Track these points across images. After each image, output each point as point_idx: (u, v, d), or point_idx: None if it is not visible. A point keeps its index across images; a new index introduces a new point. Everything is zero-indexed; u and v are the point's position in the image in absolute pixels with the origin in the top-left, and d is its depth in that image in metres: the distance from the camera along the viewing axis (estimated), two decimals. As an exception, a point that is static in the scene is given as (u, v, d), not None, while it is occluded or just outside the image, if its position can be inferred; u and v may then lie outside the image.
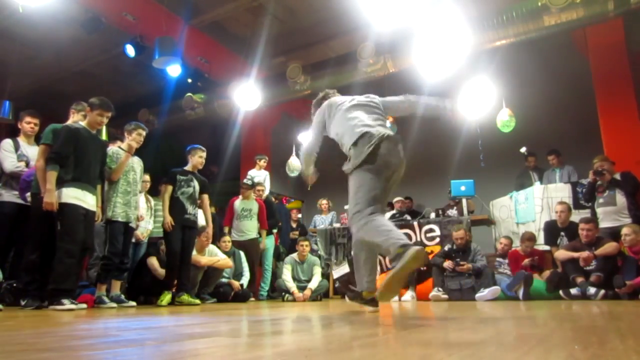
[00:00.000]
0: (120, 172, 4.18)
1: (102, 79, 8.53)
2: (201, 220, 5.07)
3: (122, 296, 4.22)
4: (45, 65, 8.12)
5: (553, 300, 4.43)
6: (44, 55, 7.78)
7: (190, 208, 4.68)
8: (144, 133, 4.41)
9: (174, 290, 4.61)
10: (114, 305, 3.93)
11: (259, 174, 7.21)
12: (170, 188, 4.65)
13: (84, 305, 3.59)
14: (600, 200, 4.98)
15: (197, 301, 4.55)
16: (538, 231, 5.51)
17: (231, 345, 1.36)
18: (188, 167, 4.83)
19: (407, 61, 6.57)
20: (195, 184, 4.79)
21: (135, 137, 4.33)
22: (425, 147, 8.55)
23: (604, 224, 4.88)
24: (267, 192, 6.88)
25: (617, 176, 4.93)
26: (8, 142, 4.21)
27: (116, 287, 4.22)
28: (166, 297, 4.40)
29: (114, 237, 4.08)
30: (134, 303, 4.24)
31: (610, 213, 4.88)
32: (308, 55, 7.90)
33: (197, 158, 4.82)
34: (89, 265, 4.76)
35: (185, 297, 4.43)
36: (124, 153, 4.23)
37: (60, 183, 3.50)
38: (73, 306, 3.32)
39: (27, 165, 4.17)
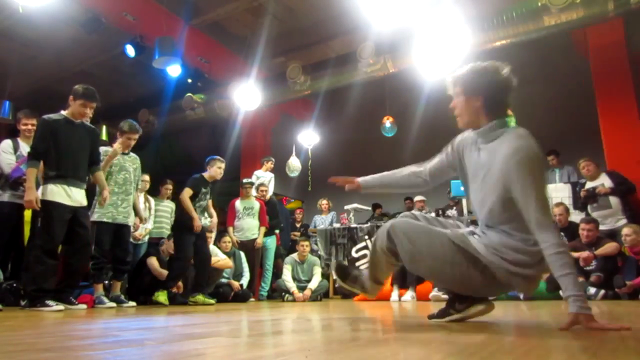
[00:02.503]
0: (104, 169, 4.08)
1: (102, 79, 8.54)
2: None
3: (122, 296, 4.21)
4: (45, 65, 8.13)
5: (553, 300, 4.43)
6: (44, 55, 7.79)
7: (202, 219, 4.73)
8: (134, 136, 4.30)
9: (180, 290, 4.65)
10: (113, 305, 3.92)
11: (265, 175, 7.23)
12: (190, 192, 4.54)
13: (84, 306, 3.58)
14: (595, 205, 5.02)
15: (212, 301, 4.57)
16: (538, 231, 5.52)
17: (231, 345, 1.36)
18: (207, 176, 4.77)
19: (407, 61, 6.57)
20: (209, 197, 4.83)
21: (123, 141, 4.23)
22: (425, 146, 8.53)
23: (601, 226, 4.89)
24: (270, 193, 6.89)
25: (605, 178, 4.97)
26: (7, 143, 4.20)
27: (116, 287, 4.21)
28: (162, 295, 4.37)
29: (99, 237, 4.04)
30: (133, 303, 4.23)
31: (607, 216, 4.93)
32: (308, 55, 7.91)
33: (216, 169, 4.74)
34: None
35: (201, 297, 4.46)
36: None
37: (45, 179, 3.42)
38: (61, 307, 3.24)
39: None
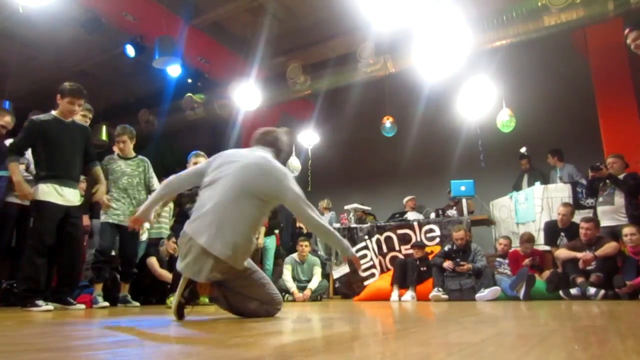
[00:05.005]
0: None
1: (102, 79, 8.54)
2: None
3: (129, 296, 4.25)
4: (45, 65, 8.12)
5: (553, 301, 4.43)
6: (44, 55, 7.79)
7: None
8: (122, 138, 4.36)
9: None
10: (106, 304, 3.93)
11: None
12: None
13: (82, 306, 3.60)
14: (600, 199, 4.98)
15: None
16: (538, 231, 5.51)
17: (231, 345, 1.36)
18: None
19: (407, 61, 6.57)
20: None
21: (118, 145, 4.35)
22: (425, 147, 8.55)
23: (602, 223, 4.87)
24: None
25: (621, 176, 4.91)
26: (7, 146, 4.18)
27: (124, 288, 4.26)
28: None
29: (101, 237, 4.11)
30: (137, 303, 4.27)
31: (608, 212, 4.88)
32: (308, 55, 7.90)
33: (192, 165, 4.42)
34: (87, 265, 4.77)
35: (203, 298, 4.46)
36: (115, 161, 4.26)
37: (36, 179, 3.42)
38: (50, 307, 3.24)
39: (27, 169, 4.12)
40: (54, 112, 3.58)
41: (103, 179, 3.83)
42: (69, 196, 3.50)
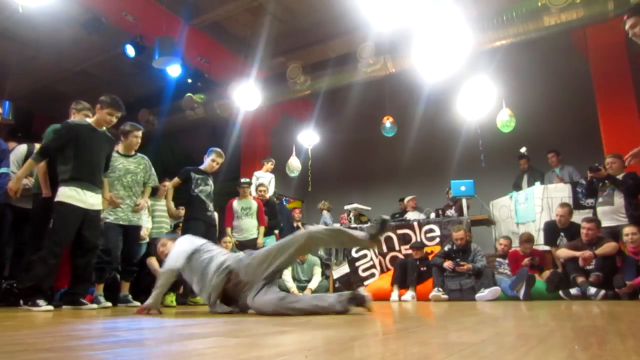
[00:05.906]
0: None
1: (102, 79, 8.54)
2: None
3: (129, 296, 4.25)
4: (45, 65, 8.13)
5: (553, 301, 4.43)
6: (44, 55, 7.79)
7: (210, 206, 4.81)
8: (138, 134, 4.38)
9: (180, 291, 4.64)
10: (109, 304, 3.93)
11: (265, 176, 7.23)
12: (176, 180, 4.76)
13: (95, 305, 3.64)
14: (600, 200, 4.98)
15: None
16: (538, 231, 5.51)
17: (231, 345, 1.36)
18: (203, 167, 4.91)
19: (407, 61, 6.57)
20: (211, 183, 4.92)
21: (131, 140, 4.31)
22: (425, 147, 8.56)
23: (602, 223, 4.86)
24: (269, 193, 6.89)
25: (620, 176, 4.91)
26: (20, 151, 4.17)
27: (125, 287, 4.26)
28: (170, 297, 4.40)
29: (105, 237, 4.07)
30: (138, 303, 4.27)
31: (608, 213, 4.88)
32: (308, 55, 7.91)
33: (210, 161, 4.88)
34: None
35: (200, 298, 4.47)
36: (117, 158, 4.25)
37: (60, 181, 3.46)
38: (50, 307, 3.24)
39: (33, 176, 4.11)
40: (89, 120, 3.73)
41: (107, 191, 3.94)
42: (89, 200, 3.55)
